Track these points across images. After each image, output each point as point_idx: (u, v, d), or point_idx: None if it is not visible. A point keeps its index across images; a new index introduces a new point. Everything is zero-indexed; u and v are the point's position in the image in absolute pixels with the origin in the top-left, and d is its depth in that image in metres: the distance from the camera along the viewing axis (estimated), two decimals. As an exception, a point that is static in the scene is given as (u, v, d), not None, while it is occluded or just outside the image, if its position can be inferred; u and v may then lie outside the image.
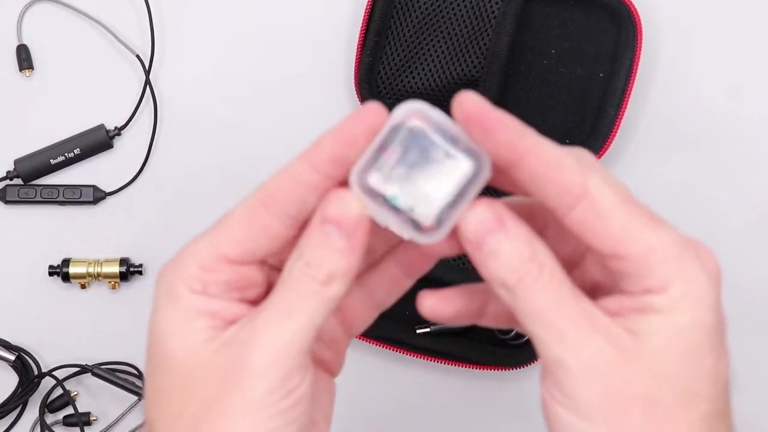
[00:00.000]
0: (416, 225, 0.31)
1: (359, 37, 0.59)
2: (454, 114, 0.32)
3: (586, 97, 0.59)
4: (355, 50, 0.59)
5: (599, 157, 0.58)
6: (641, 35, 0.58)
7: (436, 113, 0.32)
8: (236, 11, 0.62)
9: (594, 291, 0.35)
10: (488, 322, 0.38)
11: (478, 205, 0.32)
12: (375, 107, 0.33)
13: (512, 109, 0.61)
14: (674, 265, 0.32)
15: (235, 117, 0.62)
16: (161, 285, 0.34)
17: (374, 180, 0.31)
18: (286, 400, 0.32)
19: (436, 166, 0.32)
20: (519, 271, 0.32)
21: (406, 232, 0.31)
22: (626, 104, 0.58)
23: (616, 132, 0.58)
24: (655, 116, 0.61)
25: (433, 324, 0.57)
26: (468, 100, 0.32)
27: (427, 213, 0.31)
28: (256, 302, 0.34)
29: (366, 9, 0.59)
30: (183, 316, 0.33)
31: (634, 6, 0.58)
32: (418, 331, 0.58)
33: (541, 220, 0.36)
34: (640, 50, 0.58)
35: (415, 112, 0.32)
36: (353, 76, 0.59)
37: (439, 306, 0.37)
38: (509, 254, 0.32)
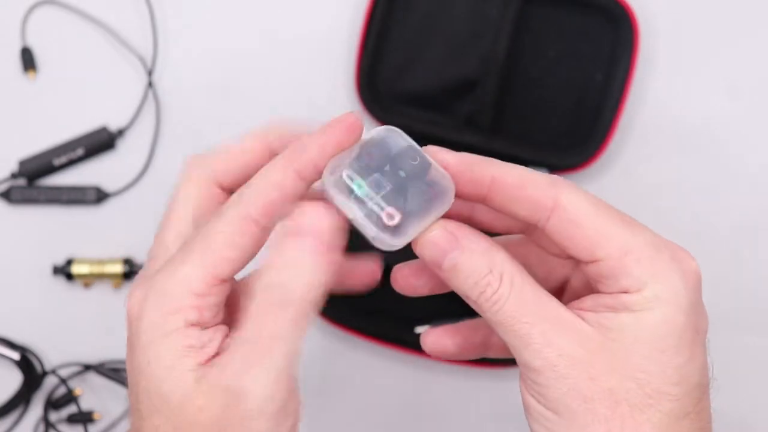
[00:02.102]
0: (381, 224, 0.33)
1: (360, 39, 0.60)
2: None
3: (584, 100, 0.60)
4: (356, 52, 0.60)
5: (596, 158, 0.59)
6: (638, 37, 0.58)
7: (410, 138, 0.35)
8: (238, 13, 0.63)
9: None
10: (495, 353, 0.39)
11: (434, 227, 0.34)
12: (356, 117, 0.34)
13: (510, 112, 0.62)
14: (648, 265, 0.33)
15: (236, 118, 0.62)
16: (145, 321, 0.32)
17: (347, 175, 0.33)
18: (284, 427, 0.32)
19: (406, 180, 0.34)
20: (479, 285, 0.34)
21: (370, 230, 0.32)
22: (623, 106, 0.58)
23: (612, 133, 0.58)
24: (652, 117, 0.61)
25: (433, 323, 0.58)
26: (433, 153, 0.35)
27: (393, 214, 0.33)
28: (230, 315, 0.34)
29: (367, 11, 0.60)
30: (173, 355, 0.32)
31: (630, 8, 0.58)
32: (417, 330, 0.59)
33: (530, 253, 0.37)
34: (637, 52, 0.58)
35: (393, 130, 0.35)
36: (354, 78, 0.60)
37: (441, 341, 0.39)
38: (467, 269, 0.34)
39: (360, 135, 0.34)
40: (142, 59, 0.62)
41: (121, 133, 0.62)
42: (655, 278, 0.33)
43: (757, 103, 0.62)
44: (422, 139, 0.60)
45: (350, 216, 0.33)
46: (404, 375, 0.61)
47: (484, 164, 0.35)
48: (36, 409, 0.60)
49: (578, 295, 0.35)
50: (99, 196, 0.61)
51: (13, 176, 0.61)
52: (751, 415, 0.60)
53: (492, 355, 0.40)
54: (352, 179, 0.33)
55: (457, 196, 0.35)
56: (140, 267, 0.60)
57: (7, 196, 0.61)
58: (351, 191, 0.33)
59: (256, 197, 0.33)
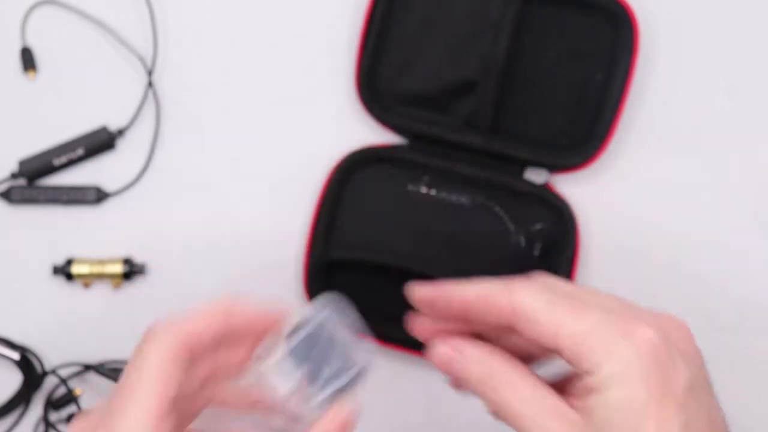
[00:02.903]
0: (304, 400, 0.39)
1: (360, 39, 0.60)
2: (410, 297, 0.43)
3: (584, 100, 0.60)
4: (356, 52, 0.60)
5: (596, 158, 0.59)
6: (638, 36, 0.58)
7: (342, 314, 0.41)
8: (238, 13, 0.63)
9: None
10: None
11: (438, 344, 0.42)
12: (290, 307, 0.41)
13: (510, 112, 0.62)
14: (599, 347, 0.37)
15: (237, 118, 0.62)
16: None
17: (280, 361, 0.39)
18: None
19: (332, 359, 0.40)
20: (487, 383, 0.40)
21: (291, 407, 0.39)
22: (623, 106, 0.58)
23: (612, 133, 0.58)
24: (652, 117, 0.61)
25: None
26: (413, 292, 0.43)
27: (316, 395, 0.39)
28: None
29: (367, 11, 0.60)
30: None
31: (630, 8, 0.58)
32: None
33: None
34: (637, 52, 0.58)
35: (326, 308, 0.40)
36: (354, 78, 0.60)
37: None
38: (471, 375, 0.40)
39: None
40: (142, 59, 0.62)
41: (121, 133, 0.61)
42: (608, 357, 0.37)
43: (759, 100, 0.62)
44: (422, 139, 0.60)
45: (274, 391, 0.39)
46: (404, 374, 0.61)
47: (447, 291, 0.42)
48: (36, 409, 0.60)
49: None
50: (99, 196, 0.61)
51: (13, 176, 0.61)
52: (751, 415, 0.60)
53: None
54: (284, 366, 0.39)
55: (442, 317, 0.42)
56: (140, 267, 0.60)
57: (7, 196, 0.61)
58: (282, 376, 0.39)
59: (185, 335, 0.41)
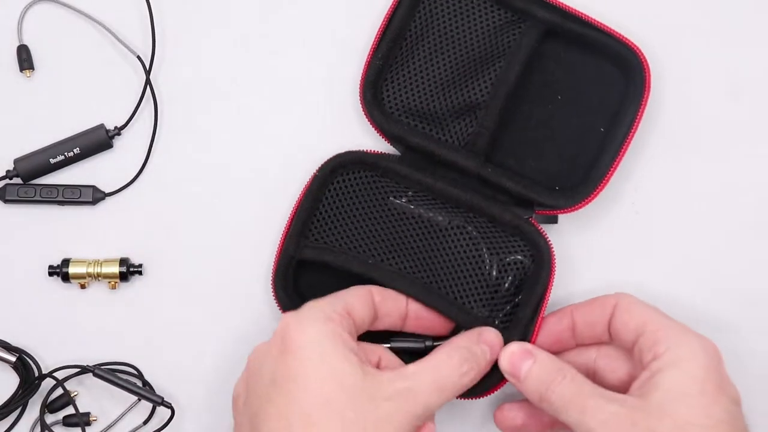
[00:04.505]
0: None
1: (374, 40, 0.59)
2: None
3: (584, 148, 0.59)
4: (366, 52, 0.59)
5: (589, 202, 0.57)
6: (649, 90, 0.57)
7: None
8: (238, 12, 0.62)
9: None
10: (561, 428, 0.51)
11: (511, 345, 0.52)
12: None
13: (508, 143, 0.62)
14: (676, 336, 0.48)
15: (235, 118, 0.62)
16: (307, 334, 0.49)
17: None
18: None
19: None
20: (546, 381, 0.49)
21: None
22: (622, 157, 0.57)
23: (607, 182, 0.57)
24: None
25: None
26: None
27: None
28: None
29: (387, 13, 0.59)
30: (343, 352, 0.48)
31: (645, 57, 0.57)
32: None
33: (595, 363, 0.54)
34: (646, 104, 0.57)
35: None
36: (359, 79, 0.59)
37: (511, 414, 0.55)
38: (538, 372, 0.50)
39: None
40: (140, 58, 0.61)
41: (118, 132, 0.61)
42: (679, 343, 0.47)
43: (760, 102, 0.62)
44: (414, 152, 0.59)
45: None
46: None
47: (564, 311, 0.55)
48: (33, 411, 0.59)
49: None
50: (96, 195, 0.60)
51: (8, 175, 0.60)
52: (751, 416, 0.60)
53: (558, 429, 0.53)
54: None
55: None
56: (137, 267, 0.60)
57: (2, 195, 0.60)
58: None
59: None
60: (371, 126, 0.59)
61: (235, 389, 0.52)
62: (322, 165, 0.59)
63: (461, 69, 0.59)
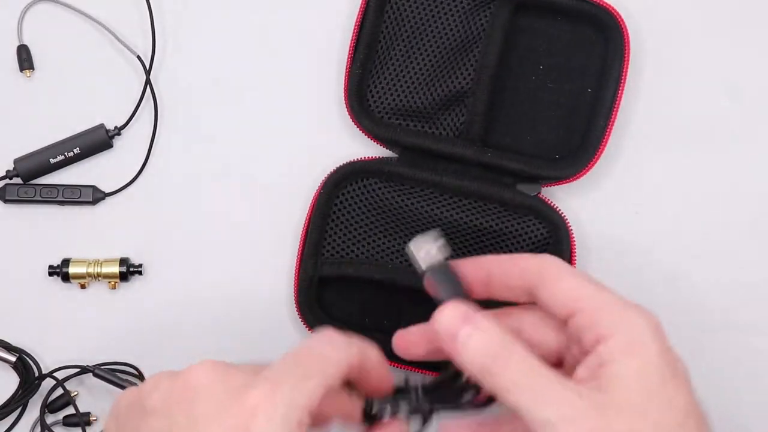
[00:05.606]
0: None
1: (349, 51, 0.59)
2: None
3: (575, 112, 0.59)
4: (345, 64, 0.59)
5: (592, 167, 0.57)
6: (629, 45, 0.57)
7: None
8: (237, 13, 0.62)
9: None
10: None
11: (446, 307, 0.42)
12: None
13: (501, 124, 0.62)
14: (618, 315, 0.40)
15: (234, 118, 0.62)
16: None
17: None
18: None
19: None
20: (491, 355, 0.40)
21: None
22: (615, 115, 0.57)
23: (605, 144, 0.57)
24: (644, 124, 0.61)
25: None
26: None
27: None
28: None
29: (356, 21, 0.59)
30: None
31: (620, 16, 0.57)
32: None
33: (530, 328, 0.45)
34: (628, 61, 0.57)
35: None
36: (343, 90, 0.59)
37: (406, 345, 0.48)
38: (479, 343, 0.41)
39: None
40: (140, 58, 0.61)
41: (118, 131, 0.61)
42: (624, 324, 0.40)
43: (756, 101, 0.61)
44: (411, 151, 0.59)
45: None
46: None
47: (481, 261, 0.45)
48: (33, 411, 0.59)
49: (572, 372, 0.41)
50: (96, 195, 0.60)
51: (8, 175, 0.60)
52: (751, 416, 0.60)
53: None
54: None
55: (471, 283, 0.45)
56: (137, 267, 0.60)
57: (2, 195, 0.60)
58: None
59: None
60: (364, 134, 0.59)
61: None
62: (325, 181, 0.59)
63: (441, 60, 0.59)
